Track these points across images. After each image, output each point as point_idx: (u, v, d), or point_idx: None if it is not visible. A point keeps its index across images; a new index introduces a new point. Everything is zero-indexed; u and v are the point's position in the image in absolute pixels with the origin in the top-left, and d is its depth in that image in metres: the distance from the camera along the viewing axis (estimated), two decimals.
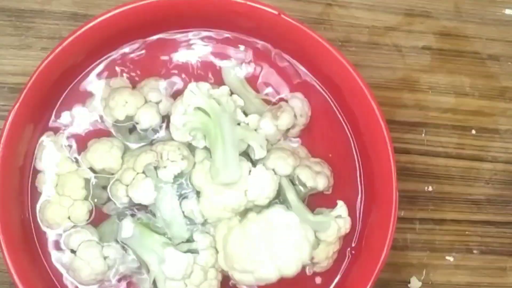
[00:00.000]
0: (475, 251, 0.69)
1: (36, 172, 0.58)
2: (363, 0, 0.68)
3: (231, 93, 0.58)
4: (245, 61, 0.61)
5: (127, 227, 0.56)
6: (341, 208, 0.59)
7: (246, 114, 0.58)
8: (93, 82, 0.59)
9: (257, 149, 0.57)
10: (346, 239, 0.60)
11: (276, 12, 0.56)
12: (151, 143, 0.58)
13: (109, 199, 0.57)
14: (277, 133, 0.58)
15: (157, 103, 0.57)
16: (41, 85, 0.55)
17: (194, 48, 0.61)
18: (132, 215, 0.57)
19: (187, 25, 0.60)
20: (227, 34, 0.61)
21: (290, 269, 0.56)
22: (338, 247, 0.59)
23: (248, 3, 0.56)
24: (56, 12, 0.64)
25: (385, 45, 0.69)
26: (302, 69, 0.61)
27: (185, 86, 0.58)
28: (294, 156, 0.58)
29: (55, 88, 0.58)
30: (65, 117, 0.59)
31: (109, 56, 0.60)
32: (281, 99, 0.61)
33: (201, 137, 0.57)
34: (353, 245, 0.60)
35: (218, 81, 0.60)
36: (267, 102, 0.61)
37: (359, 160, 0.61)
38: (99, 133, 0.59)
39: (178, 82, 0.60)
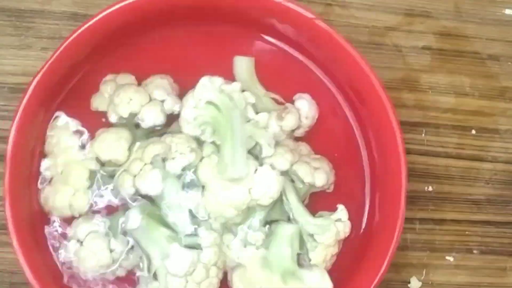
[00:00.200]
0: (475, 251, 0.68)
1: (44, 158, 0.58)
2: (363, 0, 0.68)
3: (243, 90, 0.58)
4: (255, 58, 0.61)
5: (134, 218, 0.55)
6: (341, 211, 0.59)
7: (256, 112, 0.58)
8: (102, 75, 0.59)
9: (265, 148, 0.57)
10: (351, 240, 0.60)
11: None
12: (160, 134, 0.58)
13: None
14: (281, 134, 0.58)
15: (162, 101, 0.57)
16: (57, 69, 0.55)
17: (203, 44, 0.61)
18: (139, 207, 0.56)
19: (193, 19, 0.59)
20: (235, 29, 0.60)
21: None
22: (337, 251, 0.59)
23: None
24: (56, 12, 0.64)
25: (385, 45, 0.68)
26: (314, 68, 0.61)
27: (193, 84, 0.57)
28: (293, 152, 0.58)
29: (69, 74, 0.57)
30: (75, 105, 0.59)
31: (116, 50, 0.59)
32: (289, 99, 0.60)
33: (210, 132, 0.56)
34: (358, 245, 0.60)
35: (228, 78, 0.59)
36: (276, 100, 0.60)
37: (367, 160, 0.61)
38: (109, 124, 0.58)
39: (184, 79, 0.59)
